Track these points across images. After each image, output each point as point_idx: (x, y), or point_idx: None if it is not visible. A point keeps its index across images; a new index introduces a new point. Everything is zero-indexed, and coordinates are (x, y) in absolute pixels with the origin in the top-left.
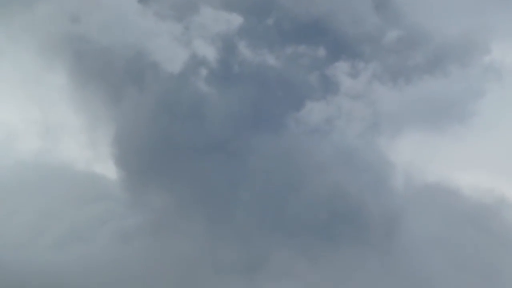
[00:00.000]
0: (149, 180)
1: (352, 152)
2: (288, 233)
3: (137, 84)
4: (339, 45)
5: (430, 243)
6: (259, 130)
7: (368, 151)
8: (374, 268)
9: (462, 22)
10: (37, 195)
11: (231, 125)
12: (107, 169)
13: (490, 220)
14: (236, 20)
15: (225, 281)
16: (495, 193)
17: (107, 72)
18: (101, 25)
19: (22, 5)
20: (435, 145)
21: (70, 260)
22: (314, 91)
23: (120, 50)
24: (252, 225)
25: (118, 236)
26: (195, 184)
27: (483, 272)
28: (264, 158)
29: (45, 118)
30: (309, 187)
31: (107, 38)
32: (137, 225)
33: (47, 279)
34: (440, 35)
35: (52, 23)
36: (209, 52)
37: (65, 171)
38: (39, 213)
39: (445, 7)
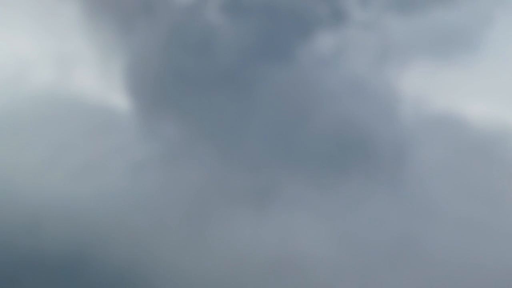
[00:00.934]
0: (161, 112)
1: (361, 83)
2: (297, 163)
3: (149, 15)
4: None
5: (438, 172)
6: (268, 61)
7: (377, 81)
8: (383, 197)
9: None
10: (50, 127)
11: (241, 57)
12: (120, 101)
13: (497, 149)
14: None
15: (235, 211)
16: (502, 123)
17: (119, 2)
18: None
19: None
20: (444, 75)
21: (83, 192)
22: (323, 21)
23: None
24: (262, 156)
25: (130, 167)
26: (206, 115)
27: (490, 199)
28: (273, 89)
29: (58, 49)
30: (318, 118)
31: None
32: (149, 156)
33: (61, 211)
34: None
35: None
36: None
37: (78, 103)
38: (53, 145)
39: None
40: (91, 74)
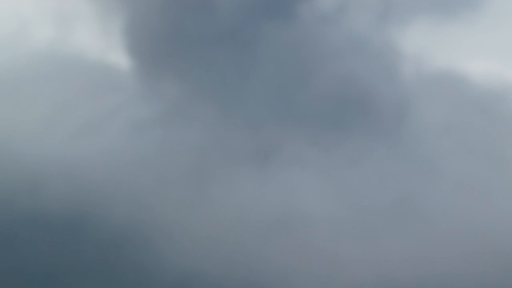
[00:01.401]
0: (161, 70)
1: (362, 41)
2: (298, 121)
3: None
4: None
5: (439, 129)
6: (269, 19)
7: (378, 39)
8: (383, 155)
9: None
10: (50, 85)
11: (242, 15)
12: (120, 59)
13: (498, 106)
14: None
15: (236, 170)
16: (504, 80)
17: None
18: None
19: None
20: (446, 31)
21: (84, 150)
22: None
23: None
24: (263, 114)
25: (131, 127)
26: (207, 74)
27: (490, 158)
28: (274, 47)
29: (58, 7)
30: (320, 76)
31: None
32: (150, 115)
33: (62, 169)
34: None
35: None
36: None
37: (77, 61)
38: (53, 104)
39: None
40: (90, 33)
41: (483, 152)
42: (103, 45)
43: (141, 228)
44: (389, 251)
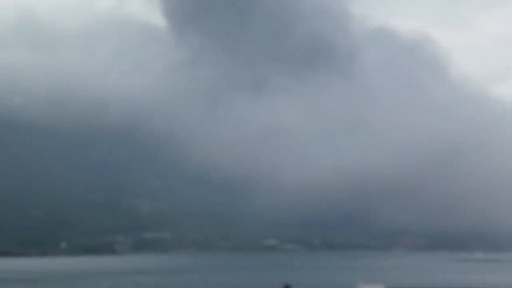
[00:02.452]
0: (187, 28)
1: (324, 6)
2: (282, 63)
3: None
4: None
5: (379, 67)
6: None
7: (336, 4)
8: (341, 85)
9: None
10: (111, 40)
11: None
12: (158, 20)
13: (419, 51)
14: None
15: (238, 96)
16: (423, 32)
17: None
18: None
19: None
20: None
21: (134, 84)
22: None
23: None
24: (257, 58)
25: (166, 67)
26: (218, 30)
27: (414, 85)
28: (265, 13)
29: None
30: (296, 31)
31: None
32: (179, 59)
33: (120, 97)
34: None
35: None
36: None
37: (130, 22)
38: (113, 52)
39: None
40: (138, 2)
41: (409, 83)
42: (147, 10)
43: (174, 135)
44: (344, 151)
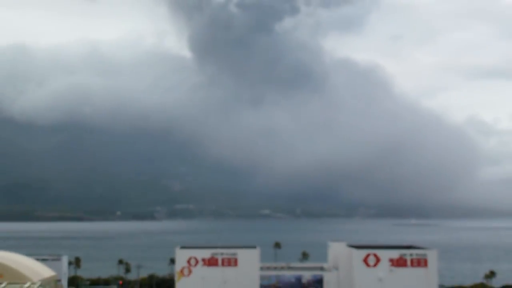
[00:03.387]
0: (207, 60)
1: (303, 43)
2: (275, 84)
3: None
4: None
5: (342, 88)
6: (257, 35)
7: (312, 43)
8: (316, 101)
9: None
10: (152, 68)
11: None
12: (186, 53)
13: (372, 75)
14: None
15: (241, 108)
16: (374, 62)
17: None
18: None
19: None
20: (346, 38)
21: (168, 101)
22: None
23: None
24: (258, 77)
25: (191, 88)
26: (230, 59)
27: (372, 103)
28: (260, 51)
29: (155, 27)
30: (283, 63)
31: None
32: (200, 82)
33: (157, 108)
34: None
35: None
36: None
37: (166, 55)
38: (153, 77)
39: None
40: (171, 40)
41: (364, 97)
42: (178, 46)
43: (196, 135)
44: (319, 146)
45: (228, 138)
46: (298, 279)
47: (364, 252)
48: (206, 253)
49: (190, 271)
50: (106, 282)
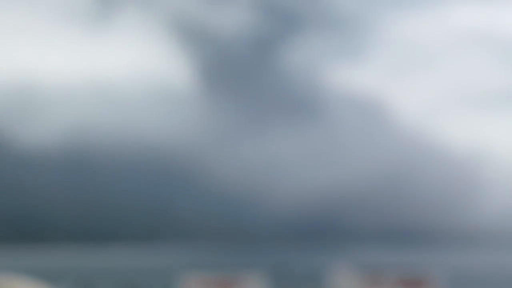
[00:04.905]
0: (213, 90)
1: (303, 81)
2: (277, 113)
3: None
4: None
5: (337, 119)
6: (259, 73)
7: (311, 78)
8: (312, 131)
9: None
10: (154, 103)
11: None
12: (191, 84)
13: (377, 113)
14: None
15: (245, 137)
16: (379, 96)
17: None
18: None
19: None
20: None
21: (176, 130)
22: None
23: None
24: (261, 108)
25: (195, 118)
26: (234, 89)
27: (369, 128)
28: (263, 86)
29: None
30: (287, 95)
31: None
32: (206, 111)
33: (168, 138)
34: None
35: None
36: None
37: (167, 87)
38: (157, 113)
39: None
40: (178, 70)
41: (365, 125)
42: (183, 79)
43: (202, 163)
44: (321, 173)
45: (231, 167)
46: None
47: (366, 275)
48: (208, 279)
49: None
50: None
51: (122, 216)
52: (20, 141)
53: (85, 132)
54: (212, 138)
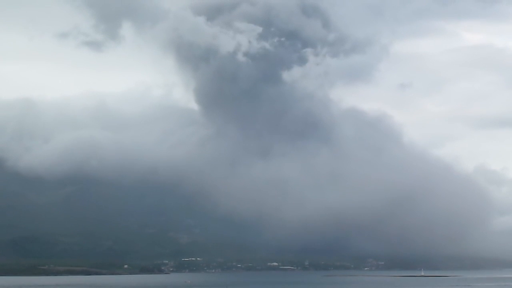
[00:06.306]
0: (214, 110)
1: (310, 95)
2: (282, 136)
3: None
4: None
5: (349, 137)
6: (265, 86)
7: (319, 97)
8: (324, 152)
9: None
10: (160, 121)
11: (250, 83)
12: (194, 105)
13: (379, 124)
14: None
15: (250, 160)
16: (382, 111)
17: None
18: None
19: None
20: (351, 89)
21: (176, 154)
22: None
23: None
24: (265, 128)
25: (199, 141)
26: (237, 110)
27: (375, 148)
28: (268, 103)
29: (165, 79)
30: (291, 115)
31: None
32: (208, 134)
33: (167, 163)
34: None
35: None
36: None
37: (173, 107)
38: (160, 131)
39: None
40: (178, 93)
41: (373, 147)
42: (185, 98)
43: (205, 188)
44: (328, 197)
45: (236, 189)
46: None
47: None
48: None
49: None
50: None
51: (123, 237)
52: (18, 158)
53: (85, 149)
54: (215, 159)
